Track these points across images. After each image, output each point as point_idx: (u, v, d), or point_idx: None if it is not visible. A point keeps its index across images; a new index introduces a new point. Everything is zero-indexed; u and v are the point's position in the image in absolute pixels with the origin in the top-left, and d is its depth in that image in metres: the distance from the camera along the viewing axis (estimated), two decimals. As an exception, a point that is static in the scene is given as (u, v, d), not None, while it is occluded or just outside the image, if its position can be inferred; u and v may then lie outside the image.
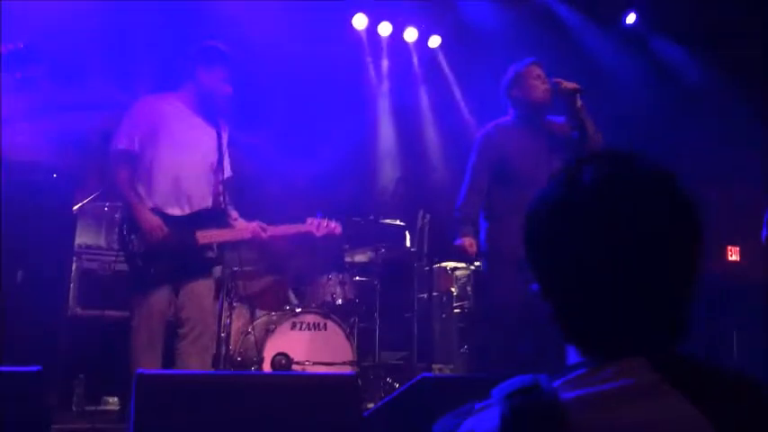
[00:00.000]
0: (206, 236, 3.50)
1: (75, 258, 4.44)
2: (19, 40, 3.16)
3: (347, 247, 5.02)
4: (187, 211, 3.52)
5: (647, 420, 0.76)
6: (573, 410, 0.76)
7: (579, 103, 3.56)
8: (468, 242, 3.66)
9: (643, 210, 0.82)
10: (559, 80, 3.59)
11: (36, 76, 3.22)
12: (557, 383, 0.81)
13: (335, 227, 3.94)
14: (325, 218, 3.93)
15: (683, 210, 0.84)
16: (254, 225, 3.70)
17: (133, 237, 3.40)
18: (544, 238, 0.87)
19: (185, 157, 3.53)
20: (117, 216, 4.68)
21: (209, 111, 3.63)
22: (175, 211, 3.49)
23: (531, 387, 0.79)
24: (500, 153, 3.67)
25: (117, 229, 3.58)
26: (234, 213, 3.72)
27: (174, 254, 3.42)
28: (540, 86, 3.63)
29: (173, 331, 3.54)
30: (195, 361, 3.43)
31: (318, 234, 3.89)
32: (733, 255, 6.39)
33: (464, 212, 3.73)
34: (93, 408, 4.06)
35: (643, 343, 0.81)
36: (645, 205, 0.82)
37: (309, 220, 3.91)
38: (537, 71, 3.68)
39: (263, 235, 3.71)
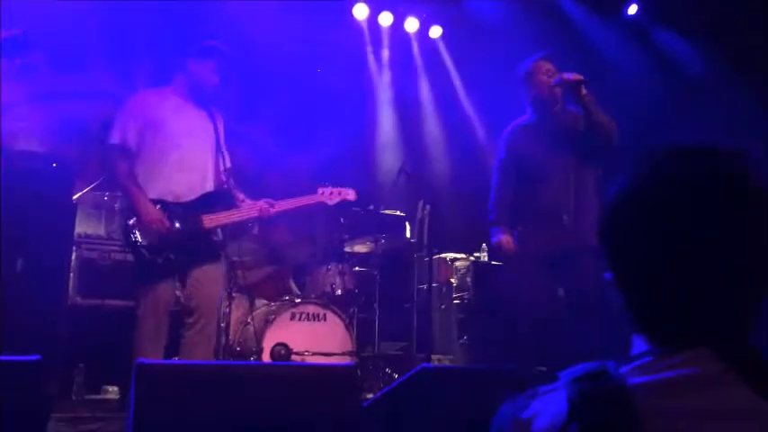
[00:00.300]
0: (212, 219, 3.51)
1: (74, 248, 4.43)
2: (18, 26, 3.15)
3: (347, 237, 5.02)
4: (191, 197, 3.52)
5: (712, 409, 0.78)
6: (639, 396, 0.78)
7: (584, 92, 3.56)
8: (505, 240, 3.72)
9: (723, 205, 0.84)
10: (561, 73, 3.60)
11: (35, 63, 3.21)
12: (624, 370, 0.83)
13: (349, 193, 3.96)
14: (336, 186, 3.95)
15: (761, 207, 0.85)
16: (261, 202, 3.72)
17: (136, 228, 3.39)
18: (624, 228, 0.89)
19: (184, 144, 3.54)
20: (116, 206, 4.70)
21: (201, 101, 3.66)
22: (179, 199, 3.49)
23: (598, 372, 0.81)
24: (523, 152, 3.74)
25: (119, 221, 3.58)
26: (240, 195, 3.72)
27: (180, 242, 3.42)
28: (547, 82, 3.65)
29: (178, 320, 3.54)
30: (200, 351, 3.44)
31: (331, 203, 3.90)
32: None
33: (498, 211, 3.79)
34: (92, 397, 4.08)
35: (711, 333, 0.83)
36: (725, 201, 0.84)
37: (321, 190, 3.93)
38: (545, 66, 3.69)
39: (271, 211, 3.72)
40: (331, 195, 3.88)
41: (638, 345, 0.89)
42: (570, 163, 3.63)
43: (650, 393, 0.79)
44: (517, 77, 3.78)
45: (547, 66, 3.70)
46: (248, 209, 3.69)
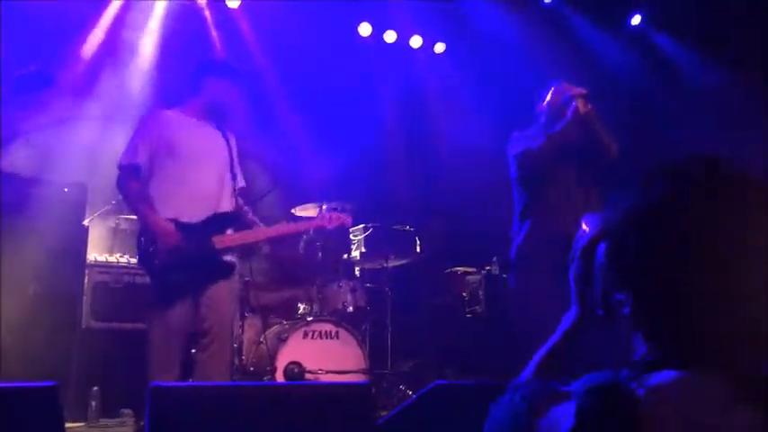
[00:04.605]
0: (223, 240, 3.50)
1: (87, 271, 4.46)
2: (31, 62, 3.20)
3: (357, 255, 5.03)
4: (203, 218, 3.52)
5: (717, 423, 0.78)
6: (647, 406, 0.79)
7: (588, 106, 3.58)
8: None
9: (735, 223, 0.85)
10: (570, 88, 3.64)
11: (48, 96, 3.26)
12: (634, 380, 0.84)
13: (346, 218, 3.97)
14: (334, 210, 3.97)
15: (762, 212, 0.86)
16: (271, 229, 3.74)
17: (152, 249, 3.38)
18: (641, 246, 0.90)
19: (196, 164, 3.53)
20: (126, 228, 4.72)
21: (215, 121, 3.66)
22: (191, 219, 3.47)
23: (610, 385, 0.83)
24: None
25: (133, 242, 3.57)
26: (254, 218, 3.73)
27: (192, 262, 3.39)
28: (559, 101, 3.69)
29: (192, 341, 3.52)
30: (216, 372, 3.40)
31: (330, 227, 3.91)
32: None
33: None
34: (108, 420, 4.08)
35: (721, 350, 0.84)
36: (738, 220, 0.85)
37: (320, 215, 3.94)
38: (563, 87, 3.73)
39: (276, 232, 3.74)
40: (330, 221, 3.89)
41: (646, 351, 0.89)
42: (573, 177, 3.65)
43: (658, 404, 0.80)
44: (541, 103, 3.81)
45: (564, 86, 3.74)
46: (259, 231, 3.68)
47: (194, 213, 3.48)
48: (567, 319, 1.13)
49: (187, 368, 3.52)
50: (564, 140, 3.63)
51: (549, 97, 3.76)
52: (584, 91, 3.60)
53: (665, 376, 0.83)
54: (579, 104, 3.59)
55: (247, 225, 3.66)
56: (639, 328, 0.90)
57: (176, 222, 3.42)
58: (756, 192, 0.87)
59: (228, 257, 3.55)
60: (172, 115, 3.62)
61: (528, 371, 1.07)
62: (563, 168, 3.66)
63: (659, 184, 0.90)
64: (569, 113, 3.62)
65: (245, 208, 3.73)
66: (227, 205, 3.60)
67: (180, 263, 3.37)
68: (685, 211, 0.86)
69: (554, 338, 1.11)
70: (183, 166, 3.49)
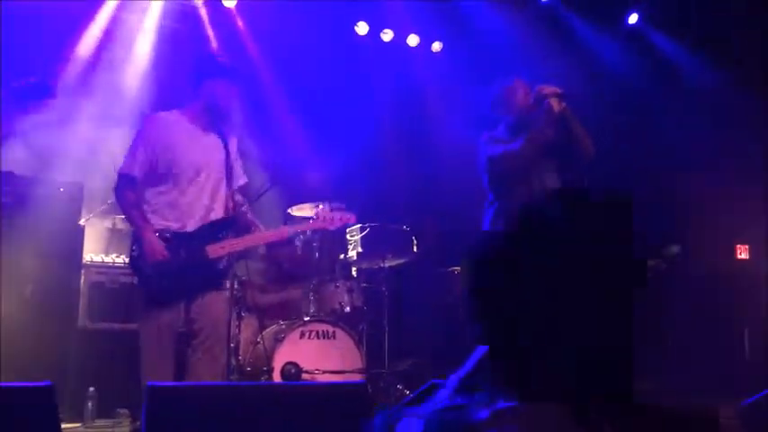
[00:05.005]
0: (216, 249, 3.48)
1: (83, 271, 4.45)
2: (29, 74, 3.19)
3: (354, 255, 5.02)
4: (199, 224, 3.51)
5: None
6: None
7: (563, 105, 3.57)
8: None
9: (583, 261, 0.83)
10: (539, 87, 3.62)
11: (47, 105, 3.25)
12: (482, 411, 0.83)
13: (349, 217, 3.95)
14: (334, 209, 3.96)
15: (623, 263, 0.84)
16: (271, 232, 3.74)
17: (140, 258, 3.41)
18: (490, 285, 0.89)
19: (192, 173, 3.52)
20: (122, 228, 4.72)
21: (215, 123, 3.64)
22: (185, 228, 3.47)
23: (458, 409, 0.83)
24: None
25: (126, 246, 3.58)
26: (254, 220, 3.72)
27: (184, 271, 3.40)
28: (523, 103, 3.69)
29: (186, 343, 3.53)
30: (206, 373, 3.41)
31: (332, 227, 3.89)
32: (742, 253, 6.36)
33: None
34: (104, 420, 4.08)
35: (555, 380, 0.82)
36: (585, 258, 0.83)
37: (321, 216, 3.92)
38: (521, 88, 3.74)
39: (275, 237, 3.73)
40: (332, 221, 3.87)
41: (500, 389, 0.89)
42: (549, 177, 3.65)
43: None
44: (491, 101, 3.80)
45: (522, 86, 3.72)
46: (253, 237, 3.67)
47: (188, 222, 3.49)
48: None
49: (183, 369, 3.52)
50: (542, 141, 3.62)
51: (517, 95, 3.72)
52: (558, 90, 3.59)
53: (505, 405, 0.82)
54: (553, 103, 3.57)
55: (245, 226, 3.65)
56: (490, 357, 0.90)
57: (169, 231, 3.43)
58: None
59: (222, 263, 3.54)
60: (171, 119, 3.61)
61: (450, 386, 1.06)
62: (538, 167, 3.65)
63: (511, 226, 0.90)
64: (542, 113, 3.62)
65: (244, 208, 3.71)
66: (221, 212, 3.58)
67: (169, 273, 3.38)
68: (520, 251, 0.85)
69: (477, 355, 1.09)
70: (180, 175, 3.50)
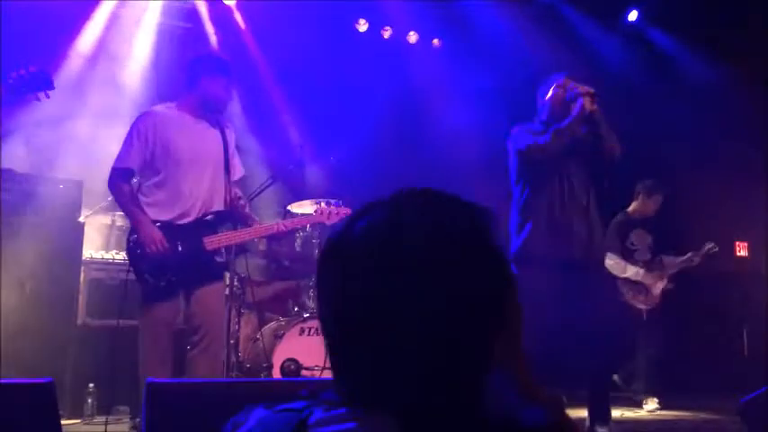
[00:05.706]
0: (214, 241, 3.49)
1: (82, 268, 4.44)
2: (27, 64, 3.18)
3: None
4: (197, 217, 3.51)
5: None
6: None
7: (594, 107, 3.60)
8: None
9: (403, 263, 0.78)
10: (576, 86, 3.67)
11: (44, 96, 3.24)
12: (319, 414, 0.80)
13: (347, 212, 3.95)
14: (332, 204, 3.96)
15: (451, 265, 0.79)
16: (267, 226, 3.73)
17: (139, 251, 3.40)
18: (318, 283, 0.88)
19: (189, 166, 3.52)
20: (121, 224, 4.71)
21: (211, 117, 3.63)
22: (183, 220, 3.48)
23: (298, 411, 0.80)
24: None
25: (125, 243, 3.58)
26: (251, 214, 3.73)
27: (182, 263, 3.41)
28: (563, 96, 3.72)
29: (184, 340, 3.54)
30: (206, 369, 3.42)
31: (329, 222, 3.90)
32: (741, 250, 6.36)
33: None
34: (104, 417, 4.07)
35: (398, 398, 0.78)
36: (404, 259, 0.78)
37: (319, 210, 3.93)
38: (566, 83, 3.76)
39: (272, 230, 3.74)
40: (330, 216, 3.87)
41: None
42: (575, 174, 3.67)
43: None
44: (540, 94, 3.82)
45: (562, 84, 3.75)
46: (251, 230, 3.66)
47: (186, 214, 3.49)
48: None
49: (179, 366, 3.53)
50: (570, 136, 3.63)
51: (551, 92, 3.76)
52: (591, 90, 3.63)
53: (336, 413, 0.79)
54: (586, 102, 3.60)
55: (243, 220, 3.65)
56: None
57: (167, 224, 3.43)
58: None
59: (220, 257, 3.54)
60: (167, 113, 3.60)
61: None
62: (566, 165, 3.67)
63: (342, 226, 0.85)
64: (576, 110, 3.62)
65: (242, 201, 3.70)
66: (219, 204, 3.58)
67: (167, 265, 3.38)
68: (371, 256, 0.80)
69: None
70: (176, 167, 3.49)
